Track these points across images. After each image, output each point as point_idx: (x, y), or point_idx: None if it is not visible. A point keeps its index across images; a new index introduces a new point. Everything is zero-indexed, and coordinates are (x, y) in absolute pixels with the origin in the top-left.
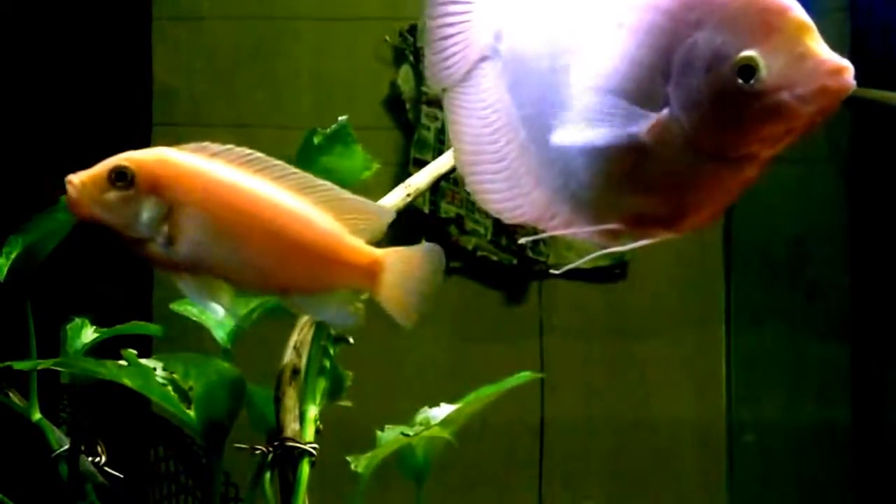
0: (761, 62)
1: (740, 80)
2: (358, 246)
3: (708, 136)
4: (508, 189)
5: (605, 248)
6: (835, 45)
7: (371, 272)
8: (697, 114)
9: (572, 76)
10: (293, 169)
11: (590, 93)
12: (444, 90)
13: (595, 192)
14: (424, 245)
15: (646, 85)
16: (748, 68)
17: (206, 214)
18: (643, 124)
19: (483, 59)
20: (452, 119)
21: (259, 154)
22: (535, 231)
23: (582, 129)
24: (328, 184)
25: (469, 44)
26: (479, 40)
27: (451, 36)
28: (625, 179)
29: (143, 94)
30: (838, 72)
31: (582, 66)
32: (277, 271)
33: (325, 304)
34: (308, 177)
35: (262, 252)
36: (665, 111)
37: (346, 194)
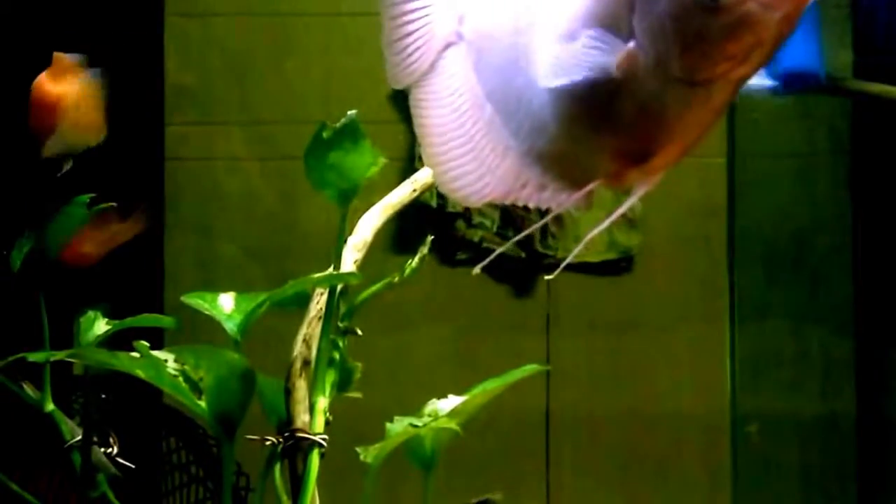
0: None
1: None
2: None
3: (675, 61)
4: (476, 170)
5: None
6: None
7: None
8: (663, 39)
9: (536, 29)
10: None
11: (555, 39)
12: (408, 87)
13: (564, 144)
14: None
15: (610, 20)
16: None
17: None
18: (610, 60)
19: (447, 46)
20: (418, 114)
21: None
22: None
23: (549, 74)
24: None
25: (432, 36)
26: (443, 29)
27: (413, 32)
28: (593, 121)
29: (154, 91)
30: None
31: (545, 16)
32: None
33: None
34: None
35: None
36: (631, 43)
37: None
